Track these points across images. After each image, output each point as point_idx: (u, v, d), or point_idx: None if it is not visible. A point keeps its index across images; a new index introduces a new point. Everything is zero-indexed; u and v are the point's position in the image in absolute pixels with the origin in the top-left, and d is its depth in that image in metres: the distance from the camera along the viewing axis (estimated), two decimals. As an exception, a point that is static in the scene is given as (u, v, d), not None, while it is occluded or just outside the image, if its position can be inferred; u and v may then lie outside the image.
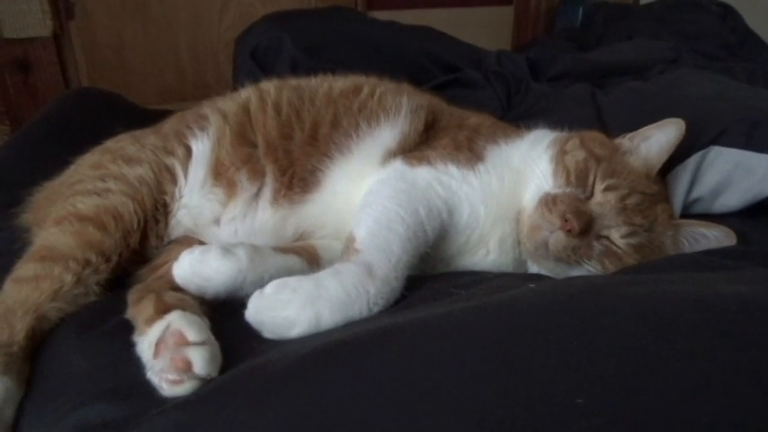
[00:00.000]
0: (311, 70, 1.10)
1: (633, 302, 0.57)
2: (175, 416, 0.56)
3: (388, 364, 0.53)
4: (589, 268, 0.83)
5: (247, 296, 0.73)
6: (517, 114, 1.38)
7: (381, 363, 0.54)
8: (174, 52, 2.54)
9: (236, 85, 1.57)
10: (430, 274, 0.87)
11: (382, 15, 2.37)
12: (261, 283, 0.75)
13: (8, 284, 0.76)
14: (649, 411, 0.46)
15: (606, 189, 0.84)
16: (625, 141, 0.92)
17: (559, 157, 0.89)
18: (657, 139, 0.89)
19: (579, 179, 0.85)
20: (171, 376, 0.60)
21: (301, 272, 0.80)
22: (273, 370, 0.56)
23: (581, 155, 0.88)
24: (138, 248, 0.86)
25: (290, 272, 0.79)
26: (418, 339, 0.54)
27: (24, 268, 0.78)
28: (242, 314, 0.72)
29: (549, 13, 3.19)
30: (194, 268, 0.75)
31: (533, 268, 0.89)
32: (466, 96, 1.45)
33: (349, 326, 0.69)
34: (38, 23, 2.14)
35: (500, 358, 0.50)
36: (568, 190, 0.85)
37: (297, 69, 1.42)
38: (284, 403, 0.52)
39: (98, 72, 2.37)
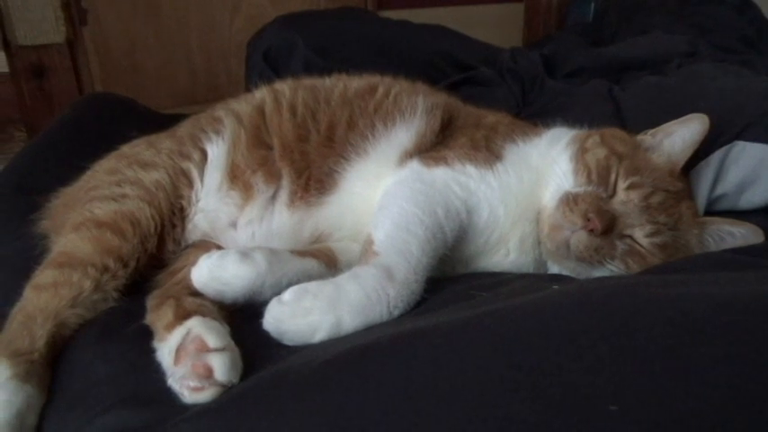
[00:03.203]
0: (324, 71, 1.09)
1: (663, 305, 0.56)
2: (198, 424, 0.55)
3: (413, 370, 0.52)
4: (612, 268, 0.81)
5: (266, 300, 0.72)
6: (533, 112, 1.37)
7: (407, 369, 0.53)
8: (185, 55, 2.55)
9: (248, 86, 1.57)
10: (449, 275, 0.86)
11: (392, 15, 2.36)
12: (279, 287, 0.74)
13: (28, 291, 0.76)
14: (683, 418, 0.45)
15: (629, 187, 0.82)
16: (647, 138, 0.90)
17: (580, 155, 0.87)
18: (681, 134, 0.87)
19: (601, 177, 0.84)
20: (192, 383, 0.60)
21: (319, 275, 0.79)
22: (296, 377, 0.55)
23: (602, 152, 0.86)
24: (156, 253, 0.86)
25: (308, 275, 0.78)
26: (444, 345, 0.53)
27: (43, 275, 0.78)
28: (261, 319, 0.71)
29: (560, 9, 3.16)
30: (213, 273, 0.75)
31: (554, 268, 0.88)
32: (480, 95, 1.43)
33: (370, 330, 0.68)
34: (52, 30, 2.16)
35: (529, 364, 0.49)
36: (590, 188, 0.83)
37: (309, 70, 1.41)
38: (308, 410, 0.51)
39: (111, 77, 2.38)
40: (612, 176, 0.83)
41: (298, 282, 0.74)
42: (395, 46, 1.65)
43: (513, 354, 0.50)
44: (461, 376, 0.50)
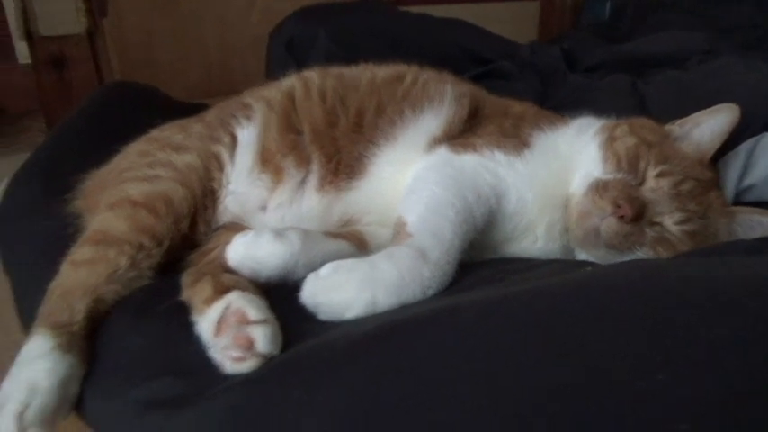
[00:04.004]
0: (344, 63, 1.10)
1: (699, 283, 0.56)
2: (238, 392, 0.56)
3: (452, 342, 0.53)
4: (641, 255, 0.82)
5: (298, 280, 0.73)
6: (553, 105, 1.37)
7: (444, 341, 0.54)
8: (201, 49, 2.57)
9: (269, 77, 1.58)
10: (477, 260, 0.87)
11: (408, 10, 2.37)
12: (312, 267, 0.75)
13: (65, 267, 0.78)
14: (716, 399, 0.46)
15: (659, 175, 0.83)
16: (675, 128, 0.90)
17: (609, 143, 0.88)
18: (710, 124, 0.88)
19: (630, 165, 0.84)
20: (234, 353, 0.61)
21: (351, 256, 0.80)
22: (337, 347, 0.56)
23: (631, 141, 0.87)
24: (188, 234, 0.87)
25: (340, 256, 0.79)
26: (484, 318, 0.54)
27: (81, 251, 0.79)
28: (294, 299, 0.72)
29: (574, 8, 3.16)
30: (248, 251, 0.76)
31: (581, 255, 0.88)
32: (500, 88, 1.43)
33: (404, 308, 0.69)
34: (72, 21, 2.18)
35: (567, 340, 0.50)
36: (619, 176, 0.84)
37: (330, 62, 1.42)
38: (351, 379, 0.52)
39: (128, 69, 2.40)
40: (642, 164, 0.84)
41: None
42: (414, 39, 1.66)
43: (550, 330, 0.51)
44: (502, 348, 0.51)
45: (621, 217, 0.80)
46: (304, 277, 0.73)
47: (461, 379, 0.51)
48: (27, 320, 0.81)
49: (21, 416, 0.60)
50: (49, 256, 0.83)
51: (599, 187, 0.83)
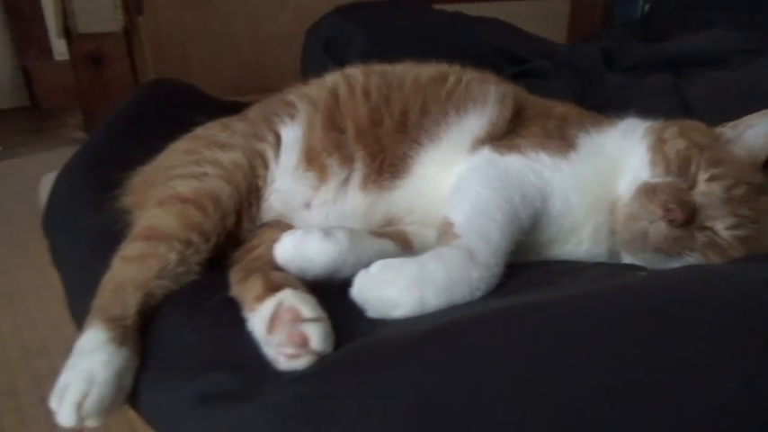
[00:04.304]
0: (381, 62, 1.10)
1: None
2: (297, 387, 0.57)
3: (519, 340, 0.53)
4: (690, 260, 0.80)
5: (344, 280, 0.74)
6: (593, 105, 1.35)
7: (518, 337, 0.54)
8: (234, 46, 2.59)
9: (305, 75, 1.60)
10: (520, 263, 0.86)
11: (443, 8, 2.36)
12: (359, 266, 0.75)
13: (117, 262, 0.79)
14: None
15: (711, 178, 0.81)
16: (727, 130, 0.88)
17: (658, 145, 0.86)
18: (764, 127, 0.86)
19: (681, 168, 0.83)
20: (289, 350, 0.61)
21: (396, 256, 0.80)
22: (393, 345, 0.57)
23: (682, 143, 0.85)
24: (233, 230, 0.88)
25: (385, 256, 0.79)
26: (552, 318, 0.54)
27: (131, 247, 0.81)
28: (341, 299, 0.72)
29: (606, 6, 3.12)
30: (296, 249, 0.77)
31: (627, 259, 0.87)
32: (537, 87, 1.42)
33: (453, 309, 0.69)
34: (110, 18, 2.22)
35: (636, 340, 0.49)
36: (669, 179, 0.83)
37: (367, 61, 1.43)
38: (416, 374, 0.52)
39: (162, 66, 2.43)
40: (693, 167, 0.82)
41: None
42: (449, 37, 1.66)
43: (620, 329, 0.51)
44: (571, 348, 0.50)
45: (671, 221, 0.78)
46: (350, 277, 0.74)
47: (530, 378, 0.51)
48: (77, 314, 0.83)
49: (80, 405, 0.62)
50: (98, 252, 0.85)
51: (648, 190, 0.82)
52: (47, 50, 3.05)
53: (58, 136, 2.74)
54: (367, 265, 0.74)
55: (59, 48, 2.90)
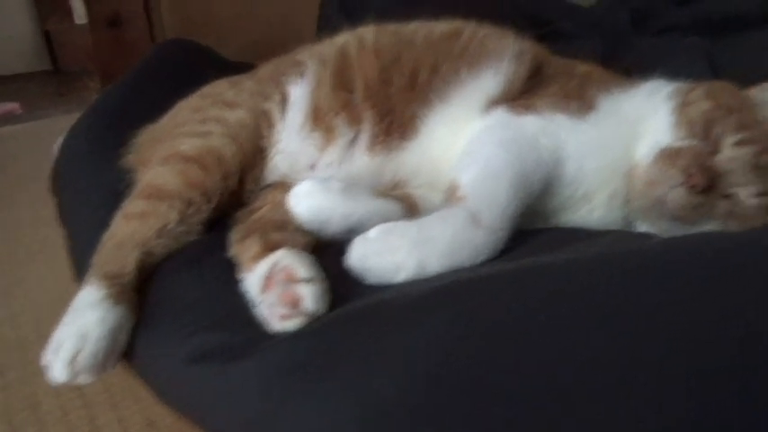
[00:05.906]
0: (397, 21, 1.06)
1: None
2: (294, 344, 0.56)
3: (530, 299, 0.51)
4: (709, 229, 0.76)
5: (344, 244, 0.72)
6: (620, 68, 1.29)
7: (519, 298, 0.53)
8: (254, 9, 2.54)
9: (320, 37, 1.56)
10: (528, 229, 0.83)
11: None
12: (363, 226, 0.73)
13: (118, 219, 0.79)
14: None
15: (737, 144, 0.76)
16: (757, 92, 0.82)
17: (681, 108, 0.81)
18: (798, 89, 0.80)
19: (705, 132, 0.78)
20: (281, 311, 0.60)
21: (400, 218, 0.78)
22: (395, 305, 0.55)
23: (706, 105, 0.80)
24: (236, 191, 0.87)
25: (390, 217, 0.77)
26: (568, 277, 0.53)
27: (133, 205, 0.80)
28: (341, 261, 0.70)
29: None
30: (309, 196, 0.76)
31: (642, 227, 0.83)
32: (561, 50, 1.37)
33: (455, 272, 0.67)
34: (128, -22, 2.19)
35: (664, 301, 0.48)
36: (692, 143, 0.78)
37: (384, 20, 1.38)
38: (412, 336, 0.51)
39: (181, 27, 2.41)
40: (717, 130, 0.77)
41: (379, 222, 0.73)
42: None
43: (645, 290, 0.48)
44: (592, 308, 0.48)
45: (692, 187, 0.74)
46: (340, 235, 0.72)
47: (554, 330, 0.50)
48: (80, 270, 0.83)
49: (72, 361, 0.62)
50: (103, 209, 0.84)
51: (669, 155, 0.77)
52: (68, 14, 3.05)
53: (80, 99, 2.76)
54: (371, 225, 0.72)
55: (80, 11, 2.90)
